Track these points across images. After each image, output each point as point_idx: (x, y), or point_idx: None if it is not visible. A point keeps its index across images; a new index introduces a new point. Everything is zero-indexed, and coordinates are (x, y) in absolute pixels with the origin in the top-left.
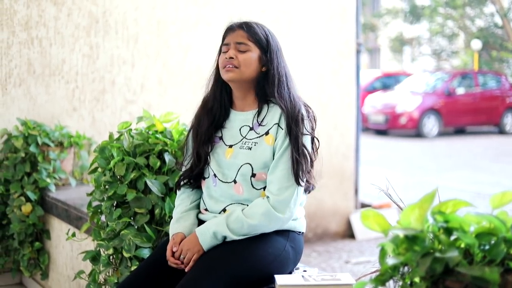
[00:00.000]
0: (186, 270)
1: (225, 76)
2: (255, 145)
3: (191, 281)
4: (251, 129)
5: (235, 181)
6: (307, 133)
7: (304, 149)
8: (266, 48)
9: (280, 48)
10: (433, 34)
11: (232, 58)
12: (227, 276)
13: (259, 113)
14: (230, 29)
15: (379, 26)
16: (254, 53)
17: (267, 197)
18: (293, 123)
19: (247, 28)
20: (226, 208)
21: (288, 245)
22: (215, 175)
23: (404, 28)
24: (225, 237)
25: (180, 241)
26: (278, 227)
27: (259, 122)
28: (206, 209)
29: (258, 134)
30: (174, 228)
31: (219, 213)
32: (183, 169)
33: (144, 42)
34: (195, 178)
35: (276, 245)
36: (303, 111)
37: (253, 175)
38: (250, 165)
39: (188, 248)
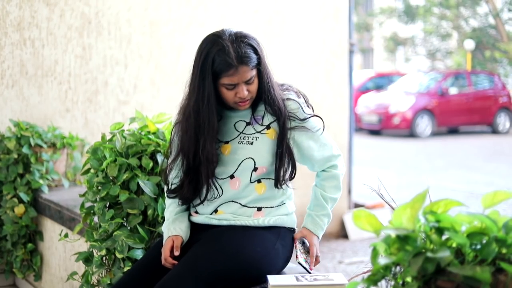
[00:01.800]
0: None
1: (241, 108)
2: (256, 139)
3: (174, 278)
4: (248, 124)
5: (232, 176)
6: (309, 115)
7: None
8: (262, 63)
9: (263, 51)
10: (427, 34)
11: (247, 93)
12: (211, 274)
13: (254, 110)
14: (229, 68)
15: (373, 25)
16: (256, 76)
17: (329, 166)
18: (284, 126)
19: (248, 60)
20: (217, 209)
21: (279, 243)
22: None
23: (399, 28)
24: (329, 219)
25: (180, 245)
26: None
27: (258, 121)
28: (196, 212)
29: (259, 129)
30: (171, 229)
31: (210, 214)
32: (174, 179)
33: (137, 43)
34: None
35: (266, 243)
36: (294, 109)
37: (255, 169)
38: (253, 159)
39: (315, 241)
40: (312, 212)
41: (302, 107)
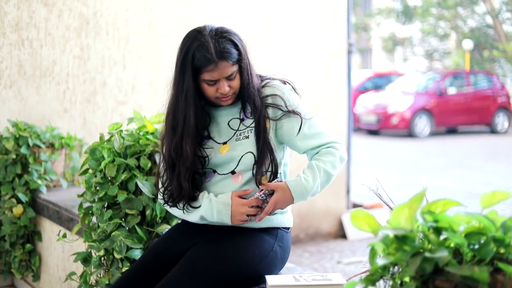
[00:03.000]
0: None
1: (223, 104)
2: (251, 132)
3: (172, 282)
4: (242, 120)
5: (233, 172)
6: (296, 105)
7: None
8: (242, 59)
9: (245, 46)
10: (425, 34)
11: (228, 89)
12: (210, 277)
13: (244, 106)
14: (209, 63)
15: (371, 26)
16: (237, 71)
17: (329, 144)
18: (259, 124)
19: (228, 56)
20: None
21: (276, 245)
22: (214, 171)
23: (397, 28)
24: (315, 192)
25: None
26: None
27: (248, 115)
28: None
29: (249, 123)
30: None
31: None
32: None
33: (135, 43)
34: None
35: (264, 245)
36: (278, 97)
37: (256, 162)
38: (252, 153)
39: (280, 201)
40: (302, 174)
41: (285, 99)
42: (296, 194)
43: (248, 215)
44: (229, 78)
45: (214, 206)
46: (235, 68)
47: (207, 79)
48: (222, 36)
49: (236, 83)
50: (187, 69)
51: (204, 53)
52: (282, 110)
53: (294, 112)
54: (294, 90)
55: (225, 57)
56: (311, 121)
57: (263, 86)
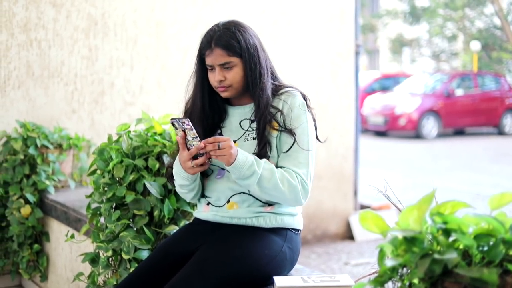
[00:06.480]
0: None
1: (221, 94)
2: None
3: (182, 281)
4: (252, 121)
5: None
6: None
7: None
8: (243, 52)
9: (255, 44)
10: (433, 35)
11: (222, 79)
12: (219, 277)
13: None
14: (207, 48)
15: (378, 27)
16: (238, 66)
17: (297, 174)
18: (258, 127)
19: (224, 44)
20: (229, 199)
21: (286, 246)
22: (223, 168)
23: (404, 29)
24: (253, 174)
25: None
26: (292, 206)
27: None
28: (208, 203)
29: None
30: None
31: (222, 206)
32: None
33: (143, 44)
34: None
35: (273, 246)
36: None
37: None
38: (258, 155)
39: (229, 149)
40: (263, 162)
41: (288, 116)
42: (238, 158)
43: (193, 157)
44: (224, 67)
45: (175, 172)
46: (232, 59)
47: (207, 63)
48: (227, 28)
49: (231, 75)
50: (198, 54)
51: (204, 39)
52: (280, 126)
53: (291, 132)
54: (308, 107)
55: (220, 45)
56: (303, 150)
57: (279, 94)
